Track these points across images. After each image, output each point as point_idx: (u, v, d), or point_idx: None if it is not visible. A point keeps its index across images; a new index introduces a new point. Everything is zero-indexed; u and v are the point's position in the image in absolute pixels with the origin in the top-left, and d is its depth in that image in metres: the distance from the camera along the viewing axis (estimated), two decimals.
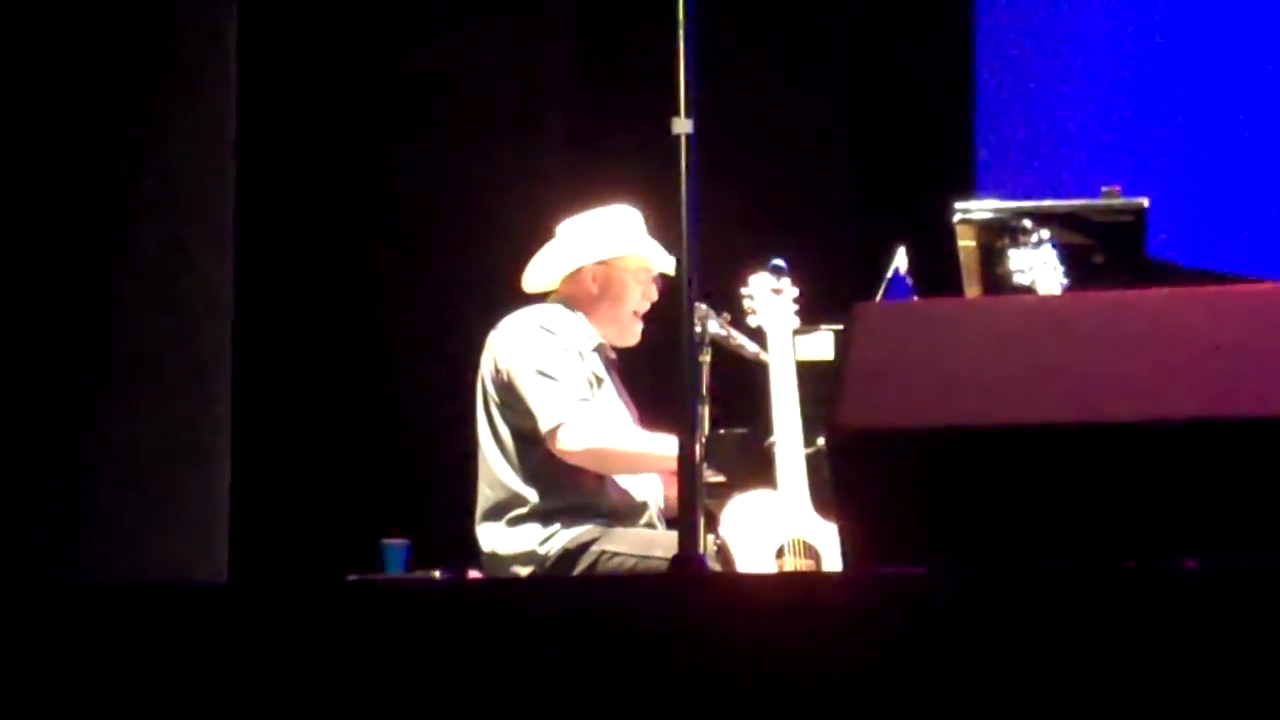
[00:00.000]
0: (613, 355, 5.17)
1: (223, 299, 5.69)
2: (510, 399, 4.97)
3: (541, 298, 5.23)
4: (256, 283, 6.09)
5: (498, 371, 5.00)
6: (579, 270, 5.14)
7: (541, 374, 4.93)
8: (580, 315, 5.12)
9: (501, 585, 4.06)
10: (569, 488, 4.94)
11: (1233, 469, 2.87)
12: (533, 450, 4.94)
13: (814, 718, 2.74)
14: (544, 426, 4.90)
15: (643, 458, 4.94)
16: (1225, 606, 2.64)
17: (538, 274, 5.21)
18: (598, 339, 5.11)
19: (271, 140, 6.40)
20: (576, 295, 5.15)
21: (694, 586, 3.21)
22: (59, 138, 5.38)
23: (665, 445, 4.70)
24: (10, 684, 2.93)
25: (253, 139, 5.91)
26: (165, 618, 2.95)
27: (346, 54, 6.81)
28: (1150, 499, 2.90)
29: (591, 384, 5.01)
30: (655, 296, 5.11)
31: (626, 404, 5.16)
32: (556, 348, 4.98)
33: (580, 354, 5.02)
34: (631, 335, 5.17)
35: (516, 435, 4.97)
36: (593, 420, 4.91)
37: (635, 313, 5.15)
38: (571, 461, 4.91)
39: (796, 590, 2.97)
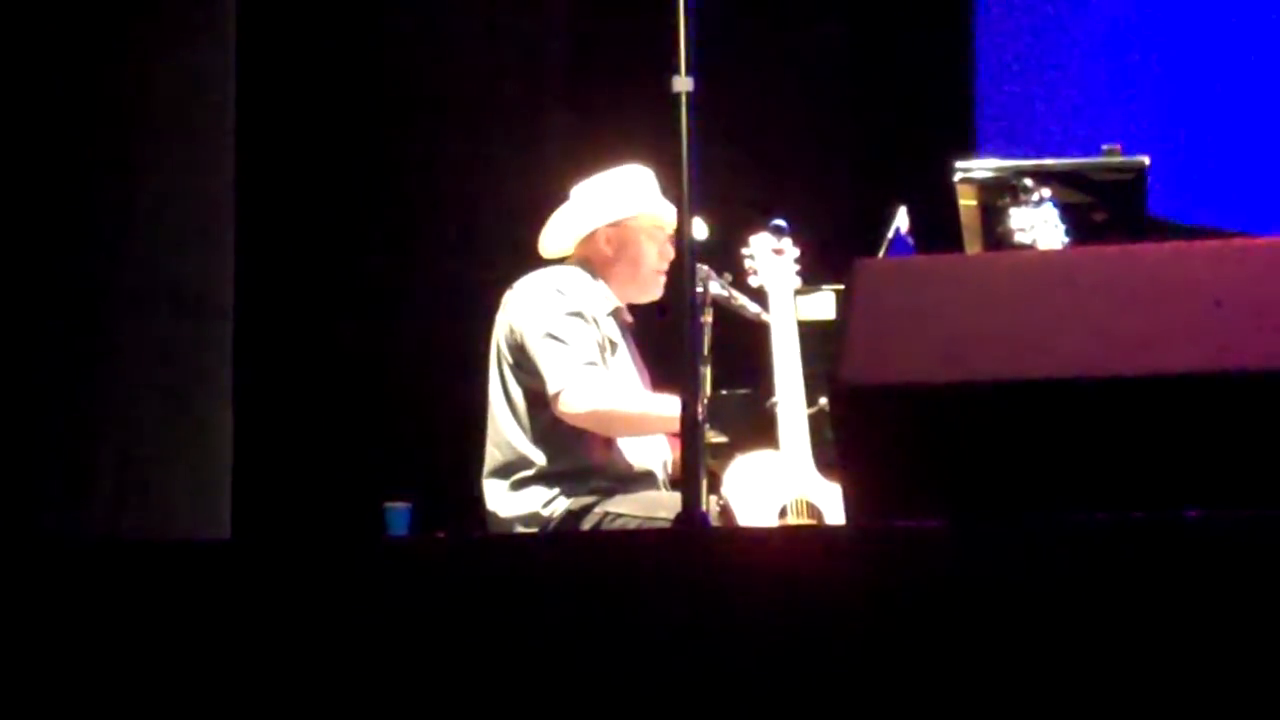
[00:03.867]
0: (629, 319, 5.17)
1: (225, 264, 5.70)
2: (522, 359, 4.98)
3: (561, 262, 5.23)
4: (259, 246, 6.09)
5: (511, 331, 5.01)
6: (593, 233, 5.15)
7: (551, 336, 4.94)
8: (598, 278, 5.11)
9: (504, 543, 4.06)
10: (576, 451, 4.95)
11: (1233, 422, 2.87)
12: (542, 412, 4.95)
13: (817, 671, 2.75)
14: (550, 388, 4.90)
15: (646, 419, 4.94)
16: (1228, 558, 2.64)
17: (553, 239, 5.20)
18: (614, 302, 5.11)
19: (270, 105, 6.40)
20: (592, 258, 5.15)
21: (696, 542, 3.21)
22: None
23: (669, 407, 4.70)
24: (15, 639, 2.94)
25: (252, 106, 5.91)
26: (167, 574, 2.96)
27: (342, 21, 6.80)
28: (1151, 452, 2.90)
29: (604, 348, 5.01)
30: (672, 254, 5.08)
31: (640, 368, 5.16)
32: (568, 310, 4.97)
33: (595, 319, 5.02)
34: (655, 290, 5.15)
35: (527, 396, 4.98)
36: (596, 383, 4.91)
37: (656, 271, 5.14)
38: (574, 424, 4.92)
39: (799, 545, 2.98)
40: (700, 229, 4.73)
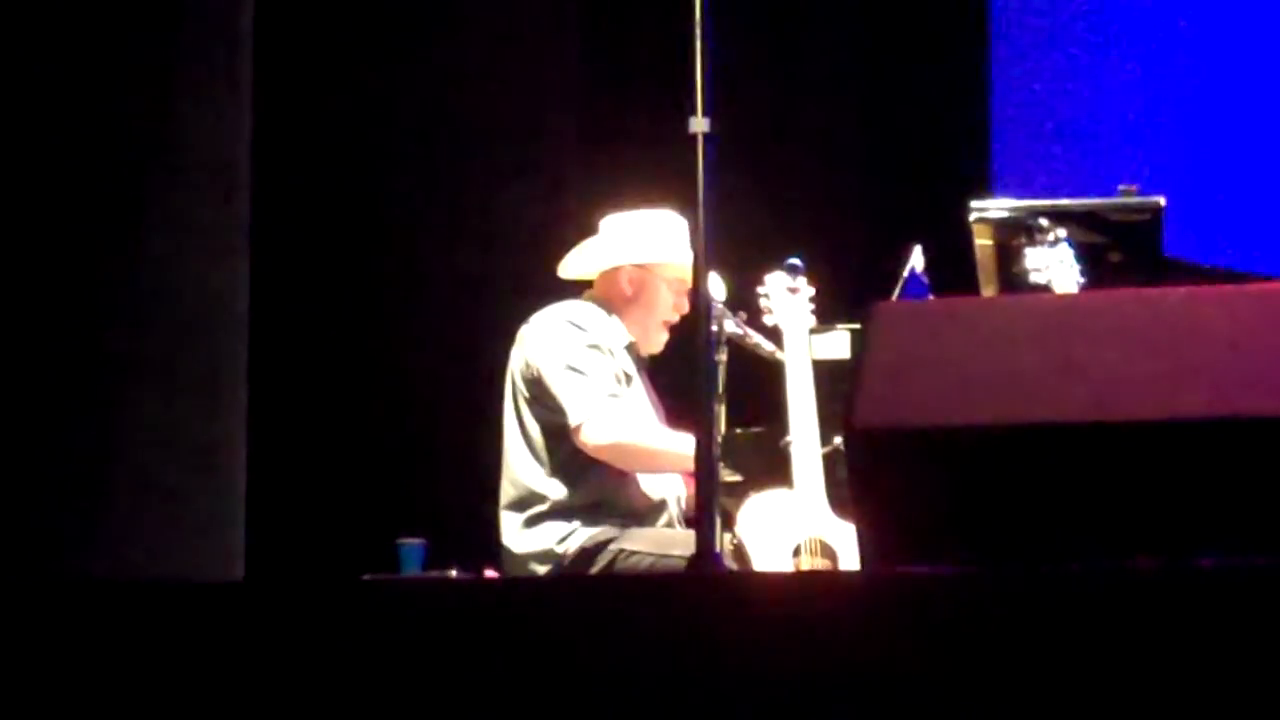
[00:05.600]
0: (643, 355, 5.17)
1: (237, 299, 5.70)
2: (539, 393, 4.97)
3: (573, 287, 5.22)
4: (271, 282, 6.10)
5: (527, 365, 5.01)
6: (617, 270, 5.15)
7: (571, 369, 4.94)
8: (612, 314, 5.11)
9: (518, 584, 4.06)
10: (591, 485, 4.95)
11: (1250, 467, 2.86)
12: (559, 445, 4.95)
13: (830, 716, 2.74)
14: (571, 420, 4.90)
15: (667, 456, 4.94)
16: (1243, 606, 2.63)
17: (576, 264, 5.21)
18: (629, 337, 5.11)
19: (286, 142, 6.40)
20: (610, 294, 5.15)
21: (711, 585, 3.20)
22: (68, 132, 5.39)
23: (689, 445, 4.70)
24: (27, 679, 2.94)
25: (268, 138, 5.92)
26: (181, 614, 2.96)
27: (359, 57, 6.81)
28: (1167, 497, 2.89)
29: (621, 380, 5.01)
30: (686, 309, 5.07)
31: (654, 403, 5.16)
32: (587, 342, 4.98)
33: (610, 350, 5.02)
34: (655, 344, 5.16)
35: (544, 430, 4.97)
36: (620, 416, 4.91)
37: (665, 322, 5.15)
38: (596, 456, 4.91)
39: (814, 589, 2.97)
40: (719, 288, 4.73)
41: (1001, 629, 2.72)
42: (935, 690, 2.70)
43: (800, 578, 3.95)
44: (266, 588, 3.32)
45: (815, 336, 5.07)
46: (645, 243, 5.14)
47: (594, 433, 4.89)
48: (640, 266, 5.14)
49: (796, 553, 4.72)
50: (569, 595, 3.11)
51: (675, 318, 5.12)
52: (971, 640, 2.72)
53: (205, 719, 2.92)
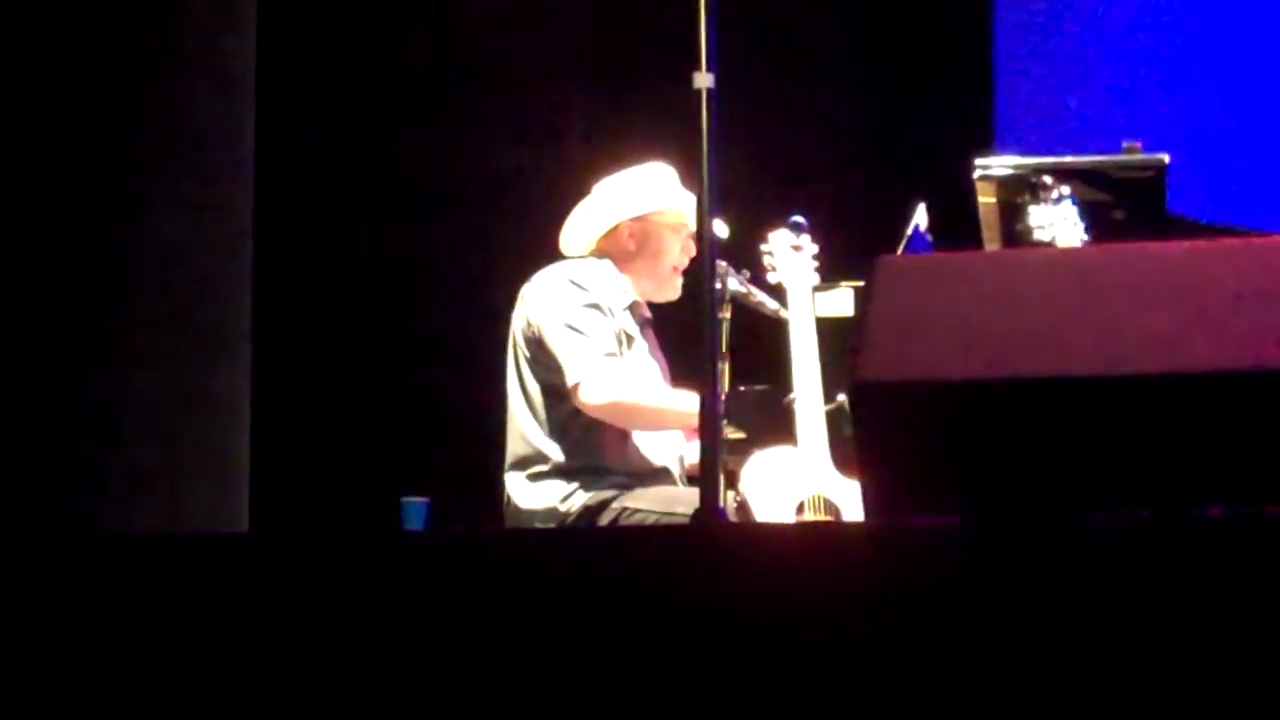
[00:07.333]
0: (648, 314, 5.17)
1: (243, 256, 5.72)
2: (539, 353, 4.98)
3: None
4: (278, 240, 6.10)
5: (528, 324, 5.01)
6: (616, 228, 5.15)
7: (570, 328, 4.94)
8: (617, 272, 5.11)
9: (522, 537, 4.06)
10: (592, 446, 4.95)
11: (1254, 420, 2.87)
12: (558, 405, 4.95)
13: (832, 668, 2.75)
14: (569, 379, 4.90)
15: (665, 414, 4.93)
16: (1250, 557, 2.64)
17: (575, 235, 5.20)
18: (632, 296, 5.10)
19: (291, 92, 6.41)
20: (614, 253, 5.15)
21: (715, 538, 3.21)
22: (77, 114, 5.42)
23: (688, 403, 4.69)
24: (35, 631, 2.95)
25: (272, 80, 5.92)
26: (185, 566, 2.97)
27: (364, 19, 6.81)
28: (1172, 451, 2.90)
29: (621, 341, 5.01)
30: (694, 252, 5.07)
31: (660, 363, 5.16)
32: (585, 301, 4.98)
33: (610, 310, 5.02)
34: (671, 290, 5.16)
35: (544, 389, 4.97)
36: (617, 375, 4.91)
37: (675, 268, 5.15)
38: (594, 415, 4.91)
39: (818, 541, 2.98)
40: (721, 229, 4.73)
41: (1005, 582, 2.73)
42: (938, 642, 2.71)
43: (804, 530, 3.95)
44: (271, 539, 3.33)
45: (819, 294, 5.07)
46: (638, 195, 5.14)
47: (591, 392, 4.89)
48: (638, 219, 5.13)
49: (800, 510, 4.72)
50: (572, 548, 3.11)
51: (685, 261, 5.12)
52: (975, 593, 2.73)
53: (210, 670, 2.93)
